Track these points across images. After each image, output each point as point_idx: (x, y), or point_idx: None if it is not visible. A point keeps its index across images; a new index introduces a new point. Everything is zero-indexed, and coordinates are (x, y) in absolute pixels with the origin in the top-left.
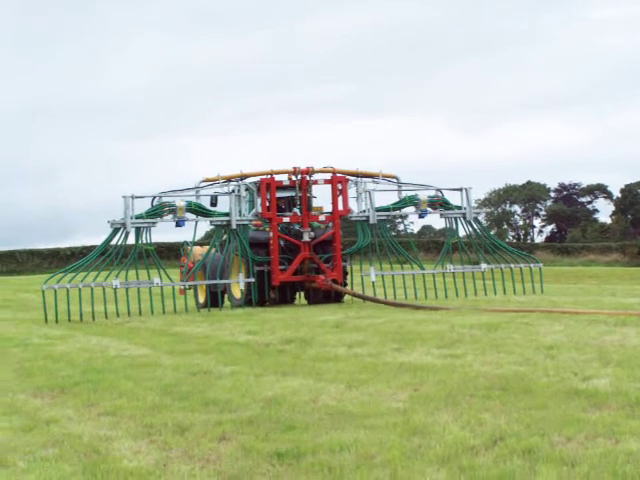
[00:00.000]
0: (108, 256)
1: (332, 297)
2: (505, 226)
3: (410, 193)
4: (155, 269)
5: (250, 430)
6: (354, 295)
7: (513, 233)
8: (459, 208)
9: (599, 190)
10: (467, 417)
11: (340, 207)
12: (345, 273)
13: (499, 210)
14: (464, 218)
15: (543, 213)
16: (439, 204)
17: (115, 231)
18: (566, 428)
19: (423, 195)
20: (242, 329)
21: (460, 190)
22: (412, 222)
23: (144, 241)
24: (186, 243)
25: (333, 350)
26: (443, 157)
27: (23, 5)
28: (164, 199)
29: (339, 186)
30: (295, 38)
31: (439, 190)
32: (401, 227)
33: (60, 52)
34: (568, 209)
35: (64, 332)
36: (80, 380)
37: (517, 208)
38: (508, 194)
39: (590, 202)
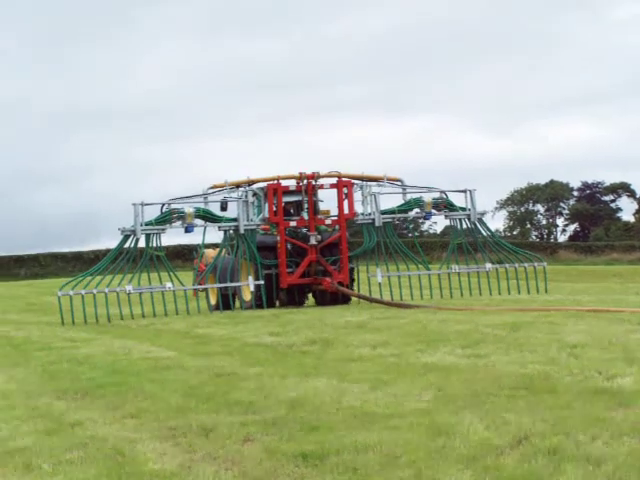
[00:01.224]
0: (120, 262)
1: (339, 299)
2: (528, 225)
3: (415, 195)
4: (166, 273)
5: (274, 431)
6: (360, 297)
7: (536, 232)
8: (463, 209)
9: (622, 189)
10: (491, 417)
11: (346, 210)
12: (352, 278)
13: (522, 209)
14: (468, 219)
15: (566, 212)
16: (443, 206)
17: (125, 238)
18: (591, 427)
19: (428, 197)
20: (265, 330)
21: (464, 192)
22: (435, 222)
23: (154, 247)
24: (199, 246)
25: (357, 351)
26: (467, 157)
27: (41, 8)
28: (173, 206)
29: (345, 190)
30: (318, 39)
31: (443, 192)
32: (424, 227)
33: (82, 56)
34: (591, 208)
35: (88, 335)
36: (104, 383)
37: (540, 207)
38: (531, 193)
39: (613, 201)
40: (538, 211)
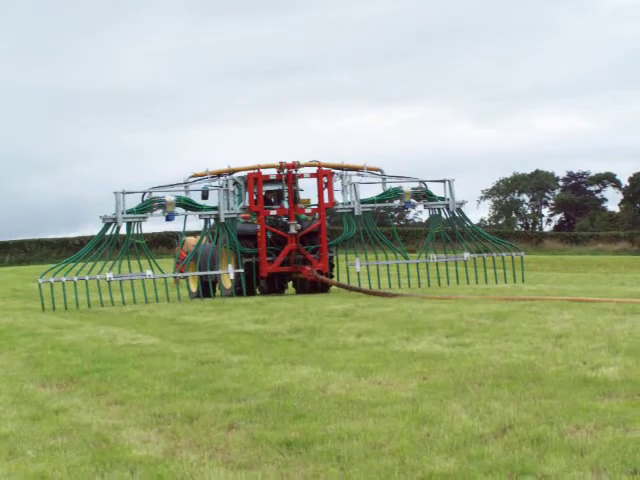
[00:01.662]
0: (101, 249)
1: (319, 287)
2: (513, 215)
3: (394, 185)
4: (146, 261)
5: (259, 419)
6: (338, 285)
7: (521, 222)
8: (442, 199)
9: (608, 179)
10: (476, 406)
11: (326, 200)
12: (332, 265)
13: (507, 199)
14: (447, 209)
15: (552, 202)
16: (422, 195)
17: (107, 226)
18: (575, 417)
19: (407, 187)
20: (250, 318)
21: (443, 182)
22: (420, 211)
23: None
24: (180, 234)
25: (342, 339)
26: (452, 145)
27: None
28: (154, 194)
29: (325, 179)
30: (308, 26)
31: (422, 182)
32: (409, 216)
33: (72, 41)
34: (577, 198)
35: (73, 322)
36: (89, 369)
37: (525, 197)
38: (516, 183)
39: (599, 191)
40: (523, 201)
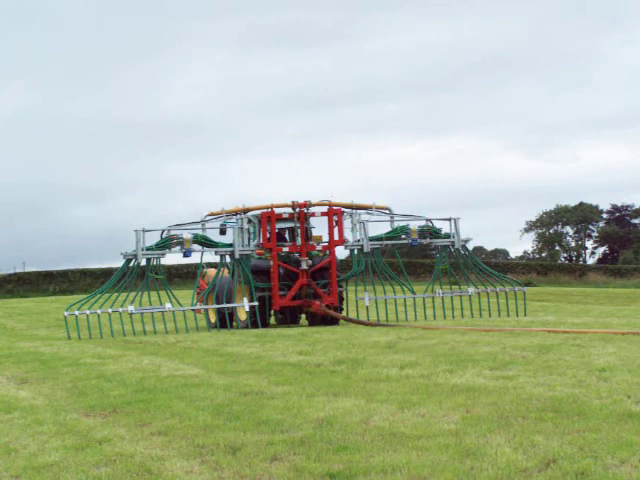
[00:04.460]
0: (123, 283)
1: (329, 320)
2: (557, 247)
3: (402, 223)
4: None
5: (302, 450)
6: (345, 319)
7: (565, 254)
8: (448, 236)
9: None
10: (520, 439)
11: (336, 237)
12: (341, 299)
13: (551, 231)
14: (453, 246)
15: (595, 234)
16: (429, 233)
17: (128, 262)
18: (619, 451)
19: (414, 225)
20: (294, 349)
21: (449, 220)
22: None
23: (155, 270)
24: (202, 266)
25: (385, 371)
26: (498, 177)
27: (81, 27)
28: (172, 232)
29: (335, 218)
30: (357, 56)
31: (429, 220)
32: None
33: (119, 71)
34: (620, 230)
35: (116, 352)
36: (132, 400)
37: (569, 229)
38: (560, 215)
39: None
40: (567, 233)
